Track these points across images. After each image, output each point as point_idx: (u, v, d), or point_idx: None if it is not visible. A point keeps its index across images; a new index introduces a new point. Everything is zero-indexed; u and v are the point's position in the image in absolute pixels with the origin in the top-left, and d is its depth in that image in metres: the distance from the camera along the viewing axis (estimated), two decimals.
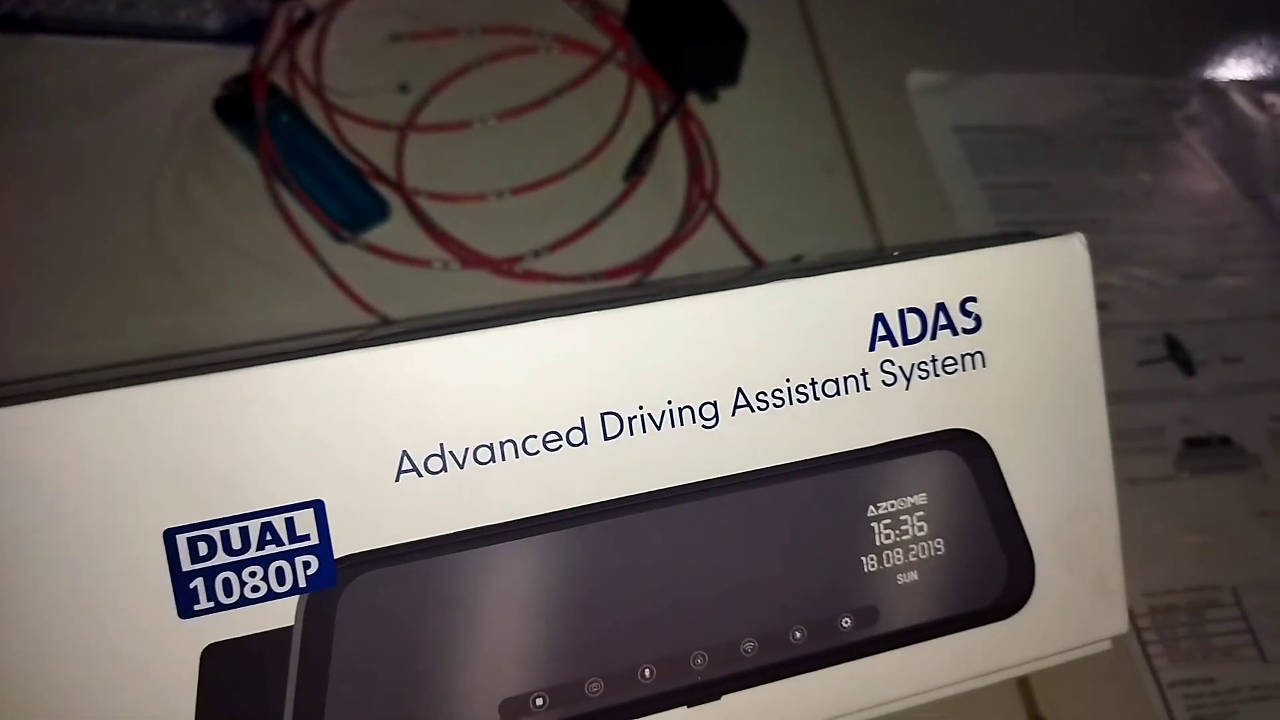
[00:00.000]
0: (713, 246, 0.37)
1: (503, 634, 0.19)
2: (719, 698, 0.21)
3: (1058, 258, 0.22)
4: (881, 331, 0.21)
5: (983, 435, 0.22)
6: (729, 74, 0.40)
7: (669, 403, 0.20)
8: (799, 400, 0.21)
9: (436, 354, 0.19)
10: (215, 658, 0.18)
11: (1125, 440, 0.35)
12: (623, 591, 0.20)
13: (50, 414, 0.17)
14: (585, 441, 0.20)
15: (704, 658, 0.20)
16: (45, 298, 0.31)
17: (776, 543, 0.21)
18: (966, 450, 0.22)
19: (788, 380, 0.21)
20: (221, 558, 0.18)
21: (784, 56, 0.43)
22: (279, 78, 0.37)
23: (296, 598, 0.18)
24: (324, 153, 0.35)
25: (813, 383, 0.21)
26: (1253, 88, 0.47)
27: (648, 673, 0.20)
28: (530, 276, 0.35)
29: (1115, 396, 0.36)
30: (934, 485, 0.22)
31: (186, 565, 0.18)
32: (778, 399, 0.21)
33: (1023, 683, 0.30)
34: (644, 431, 0.20)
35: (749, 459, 0.21)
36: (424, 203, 0.35)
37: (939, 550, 0.22)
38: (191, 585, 0.18)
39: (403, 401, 0.19)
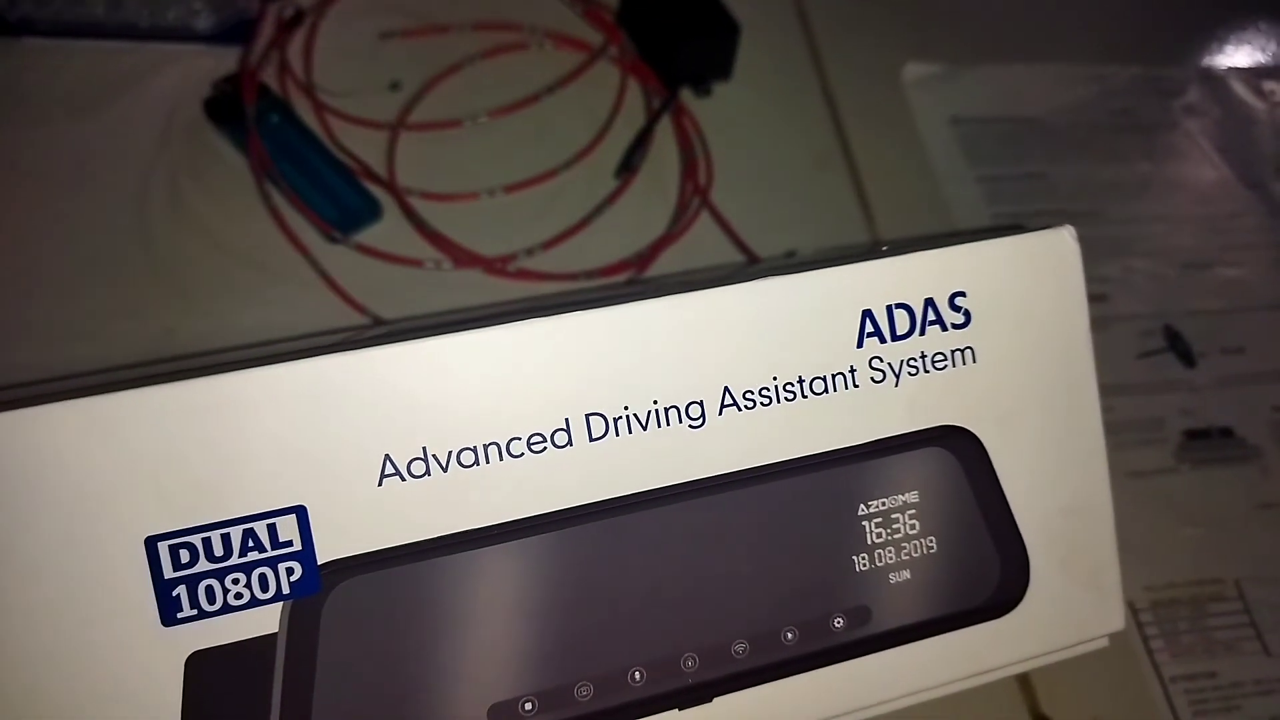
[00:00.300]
0: (707, 243, 0.36)
1: (490, 639, 0.19)
2: (710, 700, 0.20)
3: (1047, 250, 0.22)
4: (869, 328, 0.21)
5: (974, 432, 0.22)
6: (722, 68, 0.40)
7: (655, 403, 0.20)
8: (787, 399, 0.21)
9: (416, 357, 0.19)
10: (200, 665, 0.18)
11: (1125, 433, 0.35)
12: (611, 594, 0.20)
13: (29, 422, 0.17)
14: (570, 443, 0.19)
15: (694, 660, 0.20)
16: (35, 300, 0.31)
17: (766, 543, 0.21)
18: (957, 447, 0.22)
19: (775, 379, 0.21)
20: (204, 565, 0.18)
21: (777, 50, 0.43)
22: (269, 77, 0.37)
23: (280, 604, 0.18)
24: (315, 152, 0.35)
25: (800, 381, 0.21)
26: (1252, 75, 0.47)
27: (638, 676, 0.20)
28: (523, 275, 0.34)
29: (1114, 389, 0.36)
30: (925, 483, 0.22)
31: (168, 573, 0.18)
32: (765, 398, 0.20)
33: (1023, 679, 0.30)
34: (630, 432, 0.20)
35: (737, 459, 0.20)
36: (416, 202, 0.35)
37: (931, 548, 0.22)
38: (174, 593, 0.18)
39: (383, 405, 0.19)
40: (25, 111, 0.35)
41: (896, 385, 0.21)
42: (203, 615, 0.18)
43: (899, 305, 0.21)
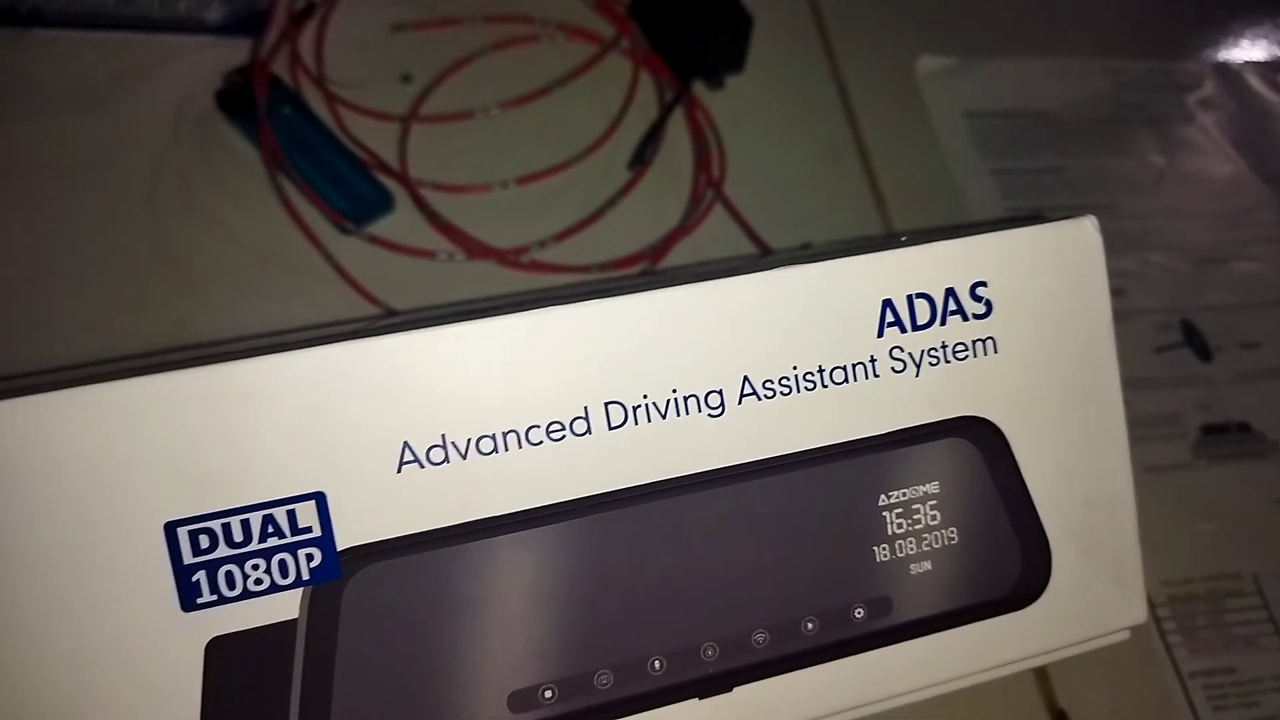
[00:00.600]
0: (720, 235, 0.36)
1: (510, 626, 0.19)
2: (730, 689, 0.20)
3: (1069, 240, 0.22)
4: (890, 317, 0.21)
5: (995, 422, 0.22)
6: (735, 61, 0.40)
7: (674, 391, 0.20)
8: (807, 388, 0.20)
9: (435, 344, 0.19)
10: (220, 651, 0.18)
11: (1142, 427, 0.35)
12: (631, 583, 0.20)
13: (48, 408, 0.17)
14: (589, 431, 0.19)
15: (715, 649, 0.20)
16: (48, 293, 0.31)
17: (786, 533, 0.20)
18: (979, 437, 0.21)
19: (795, 368, 0.20)
20: (223, 550, 0.18)
21: (790, 42, 0.42)
22: (280, 69, 0.36)
23: (300, 590, 0.18)
24: (327, 144, 0.35)
25: (820, 370, 0.21)
26: (1267, 69, 0.46)
27: (658, 664, 0.20)
28: (536, 267, 0.34)
29: (1131, 383, 0.36)
30: (946, 473, 0.21)
31: (188, 558, 0.18)
32: (785, 387, 0.20)
33: (1040, 674, 0.30)
34: (649, 421, 0.20)
35: (757, 448, 0.20)
36: (428, 194, 0.35)
37: (952, 539, 0.21)
38: (194, 578, 0.18)
39: (403, 392, 0.18)
40: (36, 103, 0.35)
41: (917, 375, 0.21)
42: (223, 601, 0.18)
43: (920, 295, 0.21)
